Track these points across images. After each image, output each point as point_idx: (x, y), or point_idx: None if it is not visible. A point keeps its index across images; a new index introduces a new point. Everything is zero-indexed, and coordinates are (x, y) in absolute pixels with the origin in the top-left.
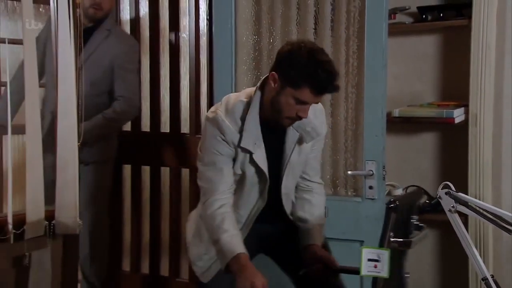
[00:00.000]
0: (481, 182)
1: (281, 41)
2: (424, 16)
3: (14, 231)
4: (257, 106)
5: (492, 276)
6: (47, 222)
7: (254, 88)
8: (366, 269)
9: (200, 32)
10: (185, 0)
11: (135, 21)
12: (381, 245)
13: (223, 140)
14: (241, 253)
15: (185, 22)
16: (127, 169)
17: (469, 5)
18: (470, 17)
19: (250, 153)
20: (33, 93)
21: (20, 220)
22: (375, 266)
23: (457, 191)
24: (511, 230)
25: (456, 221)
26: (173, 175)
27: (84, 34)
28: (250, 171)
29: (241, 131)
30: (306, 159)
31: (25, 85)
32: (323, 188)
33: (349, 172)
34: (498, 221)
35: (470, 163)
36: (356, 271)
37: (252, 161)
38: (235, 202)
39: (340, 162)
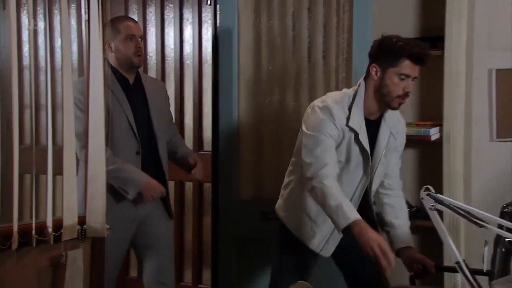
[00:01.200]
0: (453, 191)
1: (278, 68)
2: None
3: (53, 233)
4: (362, 95)
5: (464, 261)
6: (79, 226)
7: (349, 89)
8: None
9: (203, 59)
10: (189, 30)
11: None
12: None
13: (333, 123)
14: (360, 218)
15: (189, 50)
16: None
17: (442, 38)
18: (443, 49)
19: (356, 133)
20: (68, 111)
21: (57, 225)
22: None
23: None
24: (479, 224)
25: (435, 216)
26: (178, 188)
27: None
28: (355, 150)
29: (348, 117)
30: (388, 161)
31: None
32: (401, 192)
33: None
34: (468, 216)
35: (444, 175)
36: (452, 270)
37: (357, 141)
38: (342, 180)
39: None
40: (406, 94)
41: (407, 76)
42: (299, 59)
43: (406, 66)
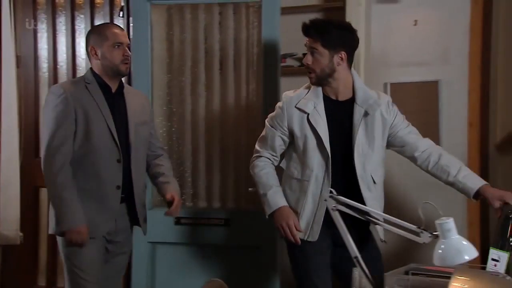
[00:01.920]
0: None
1: (190, 79)
2: None
3: None
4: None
5: (361, 256)
6: None
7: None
8: (489, 267)
9: None
10: None
11: (54, 57)
12: (500, 249)
13: (281, 111)
14: (284, 205)
15: None
16: (43, 191)
17: None
18: None
19: (307, 114)
20: None
21: None
22: (495, 265)
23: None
24: (374, 222)
25: (336, 216)
26: None
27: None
28: (311, 138)
29: (301, 99)
30: (382, 139)
31: None
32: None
33: (250, 189)
34: (366, 216)
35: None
36: None
37: (310, 124)
38: (305, 164)
39: (242, 180)
40: (307, 66)
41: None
42: (211, 71)
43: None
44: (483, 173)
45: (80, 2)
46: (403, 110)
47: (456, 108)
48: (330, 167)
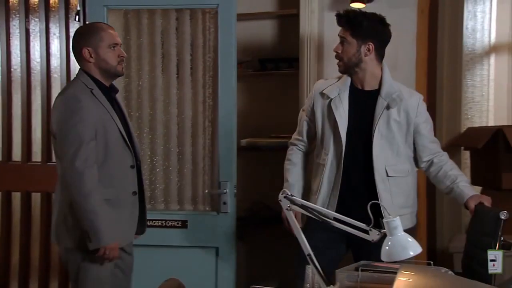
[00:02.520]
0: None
1: (148, 84)
2: (264, 66)
3: None
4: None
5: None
6: None
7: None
8: (490, 268)
9: (71, 73)
10: (57, 45)
11: (7, 60)
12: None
13: (310, 96)
14: None
15: (57, 64)
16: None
17: (297, 59)
18: (298, 68)
19: (330, 99)
20: None
21: None
22: (494, 265)
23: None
24: (326, 220)
25: (291, 216)
26: (24, 200)
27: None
28: (329, 118)
29: (330, 85)
30: (403, 135)
31: None
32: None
33: (206, 191)
34: (317, 214)
35: None
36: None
37: (329, 109)
38: (323, 148)
39: (199, 183)
40: (337, 54)
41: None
42: (168, 75)
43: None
44: None
45: (35, 5)
46: None
47: None
48: (343, 154)
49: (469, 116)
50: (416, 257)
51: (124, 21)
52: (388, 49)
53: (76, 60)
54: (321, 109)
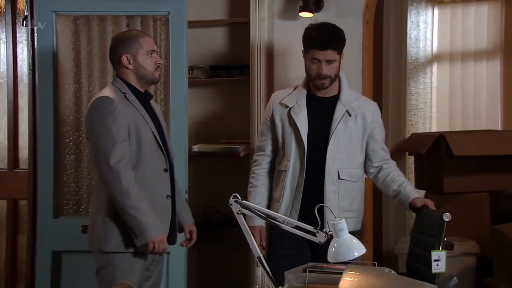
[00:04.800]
0: None
1: (99, 89)
2: (215, 73)
3: None
4: (303, 82)
5: (263, 255)
6: None
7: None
8: (434, 268)
9: (19, 78)
10: (3, 50)
11: None
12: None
13: (268, 107)
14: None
15: (3, 69)
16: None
17: (248, 67)
18: (249, 75)
19: (289, 108)
20: None
21: None
22: (437, 265)
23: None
24: (275, 223)
25: (241, 219)
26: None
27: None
28: (289, 126)
29: (288, 95)
30: (359, 140)
31: None
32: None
33: None
34: (267, 217)
35: None
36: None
37: (290, 117)
38: (284, 155)
39: None
40: (320, 75)
41: (318, 60)
42: None
43: (314, 52)
44: None
45: None
46: None
47: None
48: (305, 160)
49: (413, 122)
50: (362, 258)
51: (73, 27)
52: (279, 60)
53: (113, 66)
54: (280, 118)
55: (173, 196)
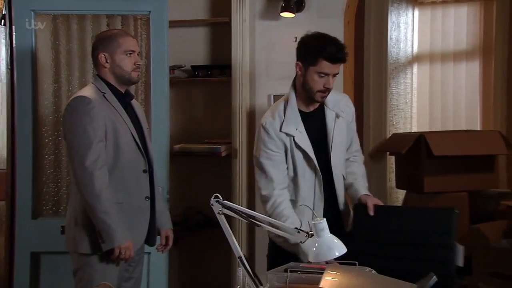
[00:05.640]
0: (240, 198)
1: (78, 89)
2: (196, 73)
3: None
4: (293, 97)
5: (245, 255)
6: None
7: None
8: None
9: None
10: None
11: None
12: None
13: (270, 138)
14: None
15: None
16: None
17: (229, 67)
18: (230, 76)
19: (292, 137)
20: None
21: None
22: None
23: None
24: (256, 223)
25: (222, 220)
26: None
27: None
28: (299, 156)
29: (282, 121)
30: (346, 137)
31: None
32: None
33: None
34: (248, 218)
35: (233, 186)
36: None
37: (297, 145)
38: (296, 185)
39: None
40: (326, 89)
41: (326, 74)
42: None
43: (324, 65)
44: None
45: None
46: None
47: None
48: (321, 179)
49: (394, 123)
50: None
51: (52, 26)
52: (261, 60)
53: (93, 65)
54: (290, 148)
55: (152, 198)
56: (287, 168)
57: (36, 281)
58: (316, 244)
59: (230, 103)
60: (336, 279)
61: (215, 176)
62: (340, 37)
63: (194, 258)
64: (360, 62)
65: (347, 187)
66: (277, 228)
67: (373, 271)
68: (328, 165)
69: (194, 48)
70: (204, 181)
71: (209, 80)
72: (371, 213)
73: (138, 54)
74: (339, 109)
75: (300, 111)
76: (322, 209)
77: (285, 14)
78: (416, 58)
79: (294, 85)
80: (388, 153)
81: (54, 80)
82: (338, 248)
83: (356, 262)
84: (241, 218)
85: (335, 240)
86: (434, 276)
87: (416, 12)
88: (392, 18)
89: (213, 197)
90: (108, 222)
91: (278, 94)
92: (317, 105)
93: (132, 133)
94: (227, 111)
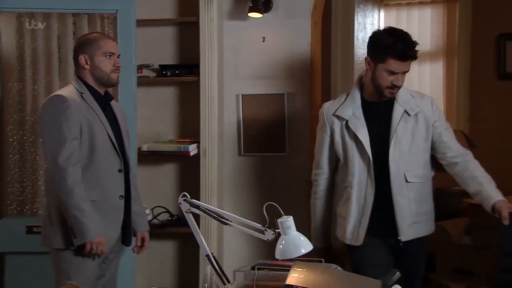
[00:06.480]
0: (209, 197)
1: (44, 88)
2: (164, 72)
3: None
4: (357, 88)
5: (212, 254)
6: None
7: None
8: None
9: None
10: None
11: None
12: None
13: (322, 122)
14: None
15: None
16: None
17: (198, 66)
18: (198, 75)
19: (345, 121)
20: None
21: None
22: None
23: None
24: (224, 222)
25: (190, 218)
26: None
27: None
28: (350, 142)
29: (340, 105)
30: (423, 139)
31: None
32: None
33: None
34: (217, 216)
35: (201, 186)
36: None
37: (348, 129)
38: (347, 170)
39: None
40: (395, 86)
41: (394, 72)
42: (65, 79)
43: (392, 64)
44: None
45: None
46: (255, 118)
47: (299, 118)
48: (372, 171)
49: None
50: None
51: (17, 24)
52: (285, 58)
53: (74, 66)
54: (339, 131)
55: (127, 197)
56: (335, 154)
57: (0, 281)
58: (283, 242)
59: (198, 103)
60: (302, 276)
61: (184, 176)
62: (307, 37)
63: (162, 256)
64: (327, 62)
65: (475, 194)
66: (246, 226)
67: (339, 268)
68: (385, 160)
69: (162, 47)
70: (173, 180)
71: (177, 79)
72: (506, 222)
73: (118, 57)
74: (409, 106)
75: (365, 100)
76: (371, 203)
77: (253, 15)
78: None
79: (359, 81)
80: None
81: (18, 79)
82: (305, 245)
83: (323, 259)
84: (209, 217)
85: (302, 238)
86: (398, 272)
87: (382, 13)
88: (358, 19)
89: (181, 195)
90: (79, 218)
91: (246, 94)
92: (384, 98)
93: (108, 133)
94: (195, 111)
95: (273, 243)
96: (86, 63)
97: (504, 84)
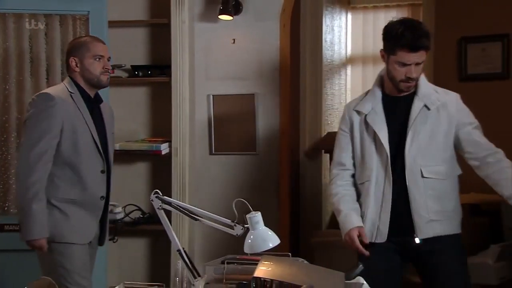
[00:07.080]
0: (181, 196)
1: (16, 88)
2: (136, 73)
3: None
4: (377, 83)
5: (183, 249)
6: None
7: None
8: None
9: None
10: None
11: None
12: None
13: (343, 117)
14: (351, 228)
15: None
16: None
17: (169, 67)
18: (170, 76)
19: (364, 115)
20: None
21: None
22: None
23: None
24: (194, 218)
25: (162, 215)
26: None
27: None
28: (368, 138)
29: (361, 100)
30: (444, 135)
31: None
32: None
33: None
34: (187, 212)
35: (174, 184)
36: None
37: (367, 124)
38: (364, 166)
39: None
40: (409, 78)
41: (406, 64)
42: (37, 79)
43: (402, 55)
44: (295, 175)
45: None
46: (225, 118)
47: (269, 118)
48: (390, 165)
49: (329, 122)
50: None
51: None
52: (255, 59)
53: (66, 69)
54: (359, 126)
55: (107, 198)
56: (353, 150)
57: None
58: (251, 237)
59: (170, 103)
60: (269, 269)
61: (156, 175)
62: (276, 39)
63: (134, 253)
64: (296, 64)
65: (509, 198)
66: (215, 221)
67: (305, 261)
68: (403, 155)
69: (134, 48)
70: (145, 179)
71: (149, 79)
72: None
73: (108, 59)
74: (430, 100)
75: (386, 95)
76: (390, 199)
77: (223, 17)
78: (350, 60)
79: (380, 77)
80: (323, 150)
81: None
82: (272, 240)
83: (290, 254)
84: (180, 213)
85: (269, 232)
86: (361, 265)
87: (349, 16)
88: (326, 22)
89: (153, 193)
90: (27, 216)
91: (217, 94)
92: (406, 92)
93: (92, 135)
94: (167, 110)
95: (242, 238)
96: (76, 66)
97: (465, 85)
